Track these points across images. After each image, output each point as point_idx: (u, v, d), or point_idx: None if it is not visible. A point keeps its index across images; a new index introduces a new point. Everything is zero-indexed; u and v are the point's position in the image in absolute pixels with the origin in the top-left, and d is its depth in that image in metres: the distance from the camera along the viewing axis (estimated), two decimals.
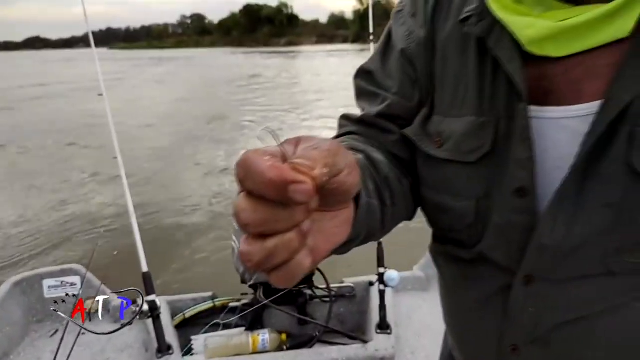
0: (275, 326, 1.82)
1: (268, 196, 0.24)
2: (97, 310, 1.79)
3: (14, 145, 8.00)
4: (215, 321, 1.86)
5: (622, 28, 0.39)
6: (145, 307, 1.52)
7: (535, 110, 0.44)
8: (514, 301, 0.49)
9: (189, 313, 1.85)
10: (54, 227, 4.44)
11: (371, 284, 1.89)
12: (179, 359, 1.56)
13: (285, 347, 1.70)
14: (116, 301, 1.86)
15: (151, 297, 1.56)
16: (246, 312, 1.79)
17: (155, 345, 1.57)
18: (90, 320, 1.77)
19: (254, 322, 1.80)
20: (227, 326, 1.86)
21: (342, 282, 1.97)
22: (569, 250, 0.44)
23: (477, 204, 0.49)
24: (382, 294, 1.71)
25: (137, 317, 1.58)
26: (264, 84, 17.37)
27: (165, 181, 5.80)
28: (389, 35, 0.58)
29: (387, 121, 0.55)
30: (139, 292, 1.22)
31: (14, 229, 4.41)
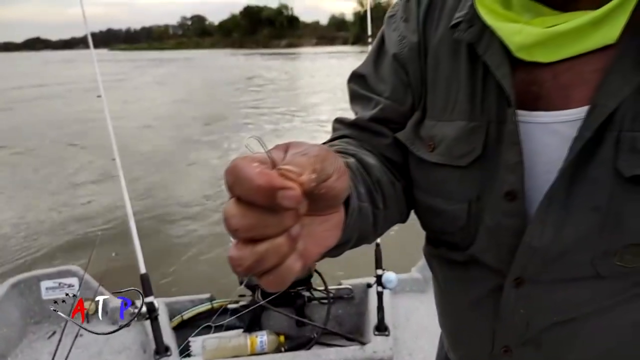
0: (274, 328, 1.82)
1: (257, 202, 0.25)
2: (95, 312, 1.79)
3: (13, 145, 8.00)
4: (213, 323, 1.86)
5: (609, 35, 0.39)
6: (143, 308, 1.52)
7: (525, 115, 0.45)
8: (505, 303, 0.50)
9: (187, 314, 1.84)
10: (51, 228, 4.44)
11: (369, 285, 1.89)
12: None
13: (283, 349, 1.70)
14: (114, 302, 1.85)
15: (149, 299, 1.56)
16: (243, 312, 1.79)
17: (153, 346, 1.57)
18: (88, 322, 1.77)
19: (252, 324, 1.80)
20: (225, 328, 1.85)
21: (340, 284, 1.97)
22: (557, 253, 0.45)
23: (469, 207, 0.49)
24: (380, 295, 1.71)
25: (136, 318, 1.58)
26: (264, 85, 17.39)
27: (164, 182, 5.80)
28: (382, 40, 0.58)
29: (380, 125, 0.56)
30: (138, 292, 1.23)
31: (11, 230, 4.40)
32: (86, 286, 1.79)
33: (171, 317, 1.83)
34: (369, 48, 0.61)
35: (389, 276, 1.75)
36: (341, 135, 0.57)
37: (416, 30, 0.54)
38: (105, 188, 5.33)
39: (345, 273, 2.12)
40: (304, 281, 1.84)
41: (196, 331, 1.77)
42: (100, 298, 1.62)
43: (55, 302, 1.83)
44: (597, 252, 0.43)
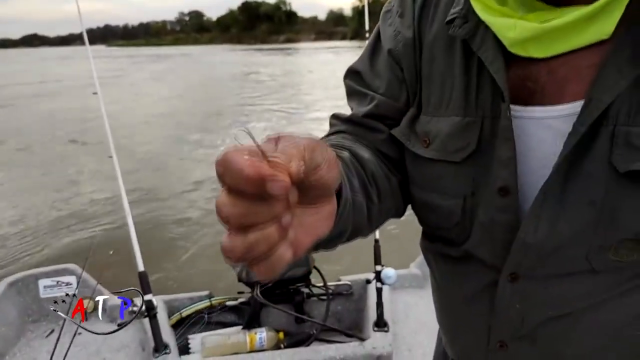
0: (273, 324, 1.82)
1: (247, 191, 0.25)
2: (93, 310, 1.79)
3: (11, 142, 7.98)
4: (212, 320, 1.86)
5: (603, 29, 0.39)
6: (142, 307, 1.51)
7: (519, 110, 0.45)
8: (500, 298, 0.50)
9: (185, 312, 1.84)
10: (49, 226, 4.43)
11: (368, 281, 1.89)
12: (176, 358, 1.56)
13: (282, 346, 1.70)
14: (113, 300, 1.85)
15: (148, 297, 1.56)
16: (239, 306, 1.79)
17: (152, 344, 1.56)
18: (86, 320, 1.77)
19: (251, 321, 1.80)
20: (224, 325, 1.85)
21: (339, 280, 1.97)
22: (552, 248, 0.45)
23: (463, 203, 0.50)
24: (379, 291, 1.71)
25: (134, 317, 1.58)
26: (263, 82, 17.33)
27: (162, 179, 5.79)
28: (378, 35, 0.58)
29: (375, 120, 0.56)
30: (138, 292, 1.22)
31: (8, 228, 4.39)
32: (84, 284, 1.79)
33: (170, 314, 1.82)
34: (366, 43, 0.60)
35: (388, 272, 1.75)
36: (337, 131, 0.58)
37: (411, 26, 0.53)
38: (103, 185, 5.32)
39: (344, 269, 2.12)
40: (303, 278, 1.83)
41: (199, 329, 1.77)
42: (100, 298, 1.62)
43: (55, 301, 1.83)
44: (592, 247, 0.43)
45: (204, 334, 1.73)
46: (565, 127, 0.41)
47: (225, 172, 0.25)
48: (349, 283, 1.95)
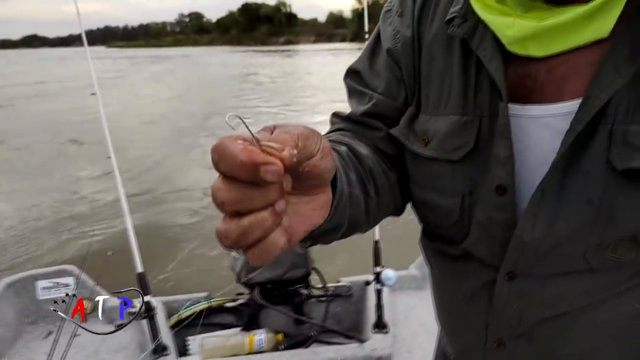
0: (272, 326, 1.81)
1: (241, 177, 0.26)
2: (92, 311, 1.78)
3: (11, 142, 7.97)
4: (211, 321, 1.85)
5: (602, 28, 0.39)
6: (141, 308, 1.50)
7: (518, 109, 0.45)
8: (498, 297, 0.51)
9: (184, 313, 1.83)
10: (47, 226, 4.42)
11: (368, 283, 1.89)
12: None
13: (281, 347, 1.70)
14: (111, 302, 1.84)
15: (146, 298, 1.55)
16: (238, 308, 1.78)
17: (151, 346, 1.56)
18: (85, 321, 1.76)
19: (250, 322, 1.79)
20: (223, 326, 1.85)
21: (339, 282, 1.97)
22: (549, 247, 0.45)
23: (462, 201, 0.50)
24: (379, 293, 1.70)
25: (134, 318, 1.57)
26: (263, 83, 17.35)
27: (161, 179, 5.78)
28: (377, 35, 0.58)
29: (374, 119, 0.56)
30: (139, 292, 1.21)
31: (7, 228, 4.38)
32: (82, 286, 1.78)
33: (168, 316, 1.81)
34: (366, 45, 0.61)
35: (388, 273, 1.74)
36: (337, 129, 0.58)
37: (410, 25, 0.54)
38: (101, 186, 5.31)
39: (343, 271, 2.12)
40: (302, 279, 1.83)
41: (198, 330, 1.76)
42: (100, 298, 1.61)
43: (55, 302, 1.82)
44: (589, 246, 0.43)
45: (202, 335, 1.72)
46: (563, 126, 0.42)
47: (220, 158, 0.26)
48: (348, 284, 1.94)
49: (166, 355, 1.56)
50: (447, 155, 0.49)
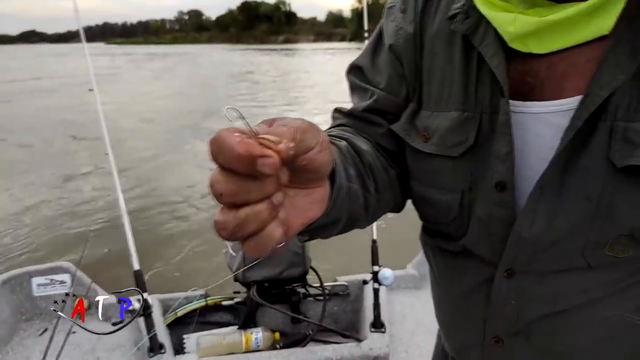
0: (269, 325, 1.81)
1: (238, 170, 0.26)
2: (88, 309, 1.77)
3: (8, 138, 7.93)
4: (207, 319, 1.84)
5: (603, 25, 0.40)
6: (137, 305, 1.50)
7: (518, 105, 0.45)
8: (496, 294, 0.51)
9: (181, 311, 1.83)
10: (44, 223, 4.40)
11: (365, 282, 1.88)
12: (171, 358, 1.54)
13: (278, 346, 1.69)
14: (107, 299, 1.83)
15: (143, 295, 1.54)
16: (235, 306, 1.78)
17: (147, 343, 1.55)
18: (81, 319, 1.75)
19: (246, 321, 1.79)
20: (219, 325, 1.84)
21: (336, 281, 1.96)
22: (548, 243, 0.45)
23: (461, 198, 0.50)
24: (376, 292, 1.70)
25: (134, 318, 1.56)
26: (261, 81, 17.32)
27: (158, 177, 5.77)
28: (380, 32, 0.58)
29: (375, 115, 0.56)
30: (138, 291, 1.21)
31: (3, 225, 4.36)
32: (78, 283, 1.77)
33: (165, 313, 1.81)
34: (365, 44, 0.61)
35: (385, 273, 1.74)
36: (339, 124, 0.59)
37: (413, 22, 0.54)
38: (99, 182, 5.29)
39: (341, 270, 2.11)
40: (300, 278, 1.82)
41: (195, 328, 1.76)
42: (100, 298, 1.60)
43: (55, 301, 1.81)
44: (588, 243, 0.43)
45: (199, 333, 1.72)
46: (564, 122, 0.42)
47: (218, 151, 0.26)
48: (345, 283, 1.94)
49: (162, 353, 1.55)
50: (447, 151, 0.49)
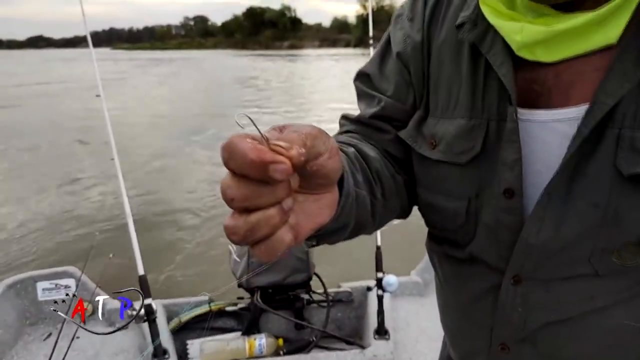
0: (272, 331, 1.80)
1: (250, 175, 0.27)
2: (92, 313, 1.78)
3: (16, 142, 8.00)
4: (211, 325, 1.84)
5: (610, 34, 0.40)
6: (142, 311, 1.50)
7: (525, 113, 0.45)
8: (503, 301, 0.51)
9: (185, 317, 1.83)
10: (49, 227, 4.42)
11: (369, 288, 1.88)
12: None
13: (282, 352, 1.69)
14: (111, 304, 1.84)
15: (147, 301, 1.54)
16: (238, 312, 1.77)
17: (151, 349, 1.55)
18: (85, 323, 1.75)
19: (250, 327, 1.79)
20: (223, 330, 1.84)
21: (340, 287, 1.96)
22: (555, 250, 0.45)
23: (468, 205, 0.50)
24: (380, 299, 1.69)
25: (134, 319, 1.56)
26: (267, 89, 17.41)
27: (164, 181, 5.79)
28: (388, 39, 0.59)
29: (382, 122, 0.57)
30: (139, 292, 1.21)
31: (9, 229, 4.38)
32: (83, 287, 1.78)
33: (169, 319, 1.81)
34: (371, 50, 0.61)
35: (390, 279, 1.73)
36: (346, 131, 0.59)
37: (421, 30, 0.54)
38: (105, 187, 5.32)
39: (345, 276, 2.10)
40: (303, 284, 1.82)
41: (198, 334, 1.75)
42: (100, 298, 1.60)
43: (56, 302, 1.81)
44: (595, 250, 0.43)
45: (202, 339, 1.72)
46: (570, 130, 0.42)
47: (230, 156, 0.27)
48: (349, 290, 1.93)
49: (166, 358, 1.55)
50: (454, 158, 0.50)
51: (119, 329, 0.98)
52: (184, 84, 19.23)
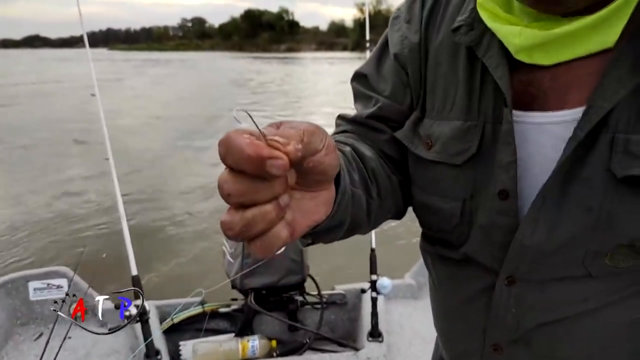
0: (266, 332, 1.80)
1: (247, 170, 0.27)
2: (85, 313, 1.76)
3: (10, 141, 7.94)
4: (204, 326, 1.83)
5: (607, 38, 0.40)
6: (134, 311, 1.49)
7: (521, 116, 0.46)
8: (497, 301, 0.51)
9: (177, 318, 1.82)
10: (42, 227, 4.39)
11: (363, 291, 1.88)
12: None
13: (275, 354, 1.68)
14: (104, 305, 1.82)
15: (140, 301, 1.53)
16: (232, 313, 1.77)
17: (143, 350, 1.54)
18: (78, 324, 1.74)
19: (243, 328, 1.78)
20: (216, 332, 1.83)
21: (334, 289, 1.96)
22: (549, 252, 0.45)
23: (462, 206, 0.50)
24: (374, 301, 1.69)
25: (128, 320, 1.55)
26: (264, 91, 17.42)
27: (158, 182, 5.77)
28: (385, 40, 0.59)
29: (379, 122, 0.57)
30: (139, 292, 1.21)
31: (1, 229, 4.34)
32: (75, 287, 1.76)
33: (162, 320, 1.80)
34: (366, 54, 0.62)
35: (384, 282, 1.74)
36: (342, 130, 0.59)
37: (418, 32, 0.55)
38: (99, 187, 5.29)
39: (338, 278, 2.11)
40: (297, 285, 1.82)
41: (191, 335, 1.75)
42: (100, 298, 1.59)
43: (56, 302, 1.80)
44: (588, 252, 0.44)
45: (195, 340, 1.71)
46: (565, 133, 0.42)
47: (227, 152, 0.27)
48: (343, 292, 1.93)
49: (158, 359, 1.54)
50: (450, 159, 0.50)
51: (118, 329, 0.97)
52: (181, 85, 19.20)
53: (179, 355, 1.69)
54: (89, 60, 1.83)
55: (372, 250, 1.78)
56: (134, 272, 1.58)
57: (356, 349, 1.59)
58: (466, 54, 0.50)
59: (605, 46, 0.40)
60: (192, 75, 25.78)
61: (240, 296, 1.84)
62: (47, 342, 1.04)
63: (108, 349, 1.70)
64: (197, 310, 1.84)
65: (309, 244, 0.46)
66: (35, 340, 1.76)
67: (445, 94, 0.51)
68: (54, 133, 8.72)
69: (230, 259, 1.77)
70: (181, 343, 1.72)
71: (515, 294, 0.49)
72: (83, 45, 1.92)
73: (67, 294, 1.75)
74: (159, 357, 1.55)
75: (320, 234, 0.42)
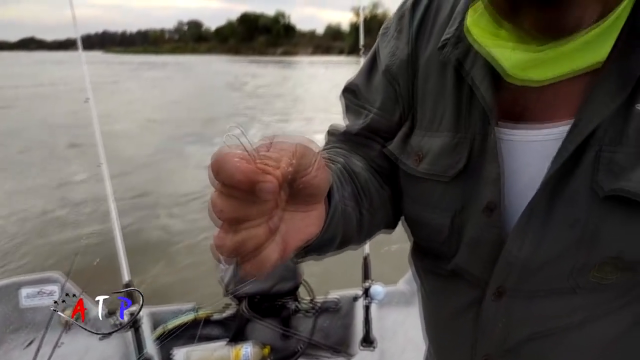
0: (259, 339, 1.79)
1: (237, 193, 0.28)
2: (77, 320, 1.74)
3: (5, 145, 7.88)
4: (197, 333, 1.82)
5: (596, 56, 0.41)
6: (126, 318, 1.48)
7: (507, 132, 0.46)
8: (485, 315, 0.51)
9: (170, 324, 1.81)
10: (34, 232, 4.35)
11: (356, 297, 1.88)
12: None
13: None
14: (95, 311, 1.81)
15: (132, 308, 1.53)
16: (225, 320, 1.76)
17: (135, 357, 1.53)
18: (69, 330, 1.72)
19: (236, 335, 1.77)
20: (209, 338, 1.82)
21: (327, 295, 1.96)
22: (536, 266, 0.45)
23: (452, 219, 0.50)
24: (367, 308, 1.69)
25: (121, 326, 1.54)
26: (259, 94, 17.42)
27: (153, 184, 5.74)
28: (375, 53, 0.59)
29: (369, 135, 0.57)
30: (139, 292, 1.20)
31: None
32: (67, 294, 1.75)
33: (154, 326, 1.79)
34: (361, 59, 0.62)
35: (377, 288, 1.74)
36: (333, 144, 0.59)
37: (407, 45, 0.55)
38: (92, 192, 5.26)
39: (332, 284, 2.10)
40: (291, 292, 1.82)
41: (184, 342, 1.74)
42: (100, 298, 1.57)
43: (56, 304, 1.78)
44: (575, 266, 0.44)
45: (188, 347, 1.70)
46: (552, 148, 0.43)
47: (218, 174, 0.28)
48: (336, 299, 1.93)
49: None
50: (439, 174, 0.50)
51: (118, 329, 0.97)
52: (177, 88, 19.17)
53: None
54: (83, 64, 1.83)
55: (365, 257, 1.79)
56: (127, 278, 1.57)
57: (349, 356, 1.59)
58: (454, 68, 0.50)
59: (594, 63, 0.41)
60: (188, 78, 25.75)
61: (233, 303, 1.83)
62: (38, 349, 1.03)
63: (100, 356, 1.69)
64: (190, 316, 1.83)
65: (299, 262, 0.47)
66: (26, 347, 1.74)
67: (435, 107, 0.52)
68: (49, 136, 8.66)
69: (223, 265, 1.77)
70: (174, 350, 1.71)
71: (504, 308, 0.49)
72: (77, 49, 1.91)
73: (57, 301, 1.74)
74: None
75: (311, 250, 0.43)
